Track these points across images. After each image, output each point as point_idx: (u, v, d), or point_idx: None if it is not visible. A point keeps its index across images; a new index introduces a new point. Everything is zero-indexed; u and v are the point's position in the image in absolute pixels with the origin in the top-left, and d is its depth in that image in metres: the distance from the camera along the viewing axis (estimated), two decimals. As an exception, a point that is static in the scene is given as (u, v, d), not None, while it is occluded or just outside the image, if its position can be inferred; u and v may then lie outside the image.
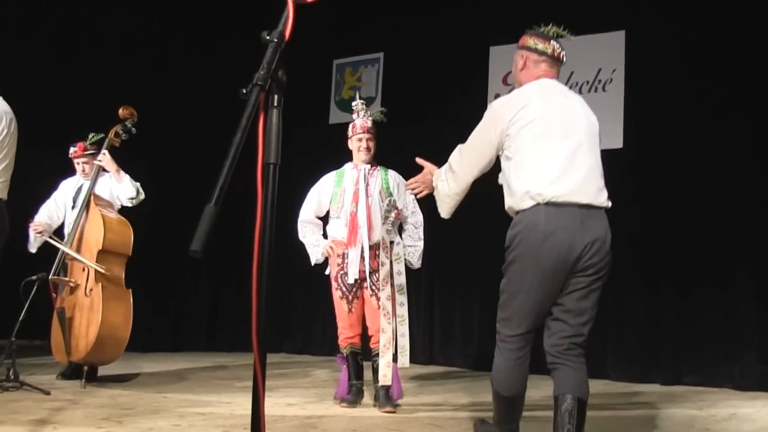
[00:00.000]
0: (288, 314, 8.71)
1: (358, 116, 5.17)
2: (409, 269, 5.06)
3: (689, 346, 6.55)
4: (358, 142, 5.11)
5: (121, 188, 5.83)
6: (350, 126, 5.20)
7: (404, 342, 4.86)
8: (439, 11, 8.03)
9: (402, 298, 4.88)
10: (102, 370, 5.78)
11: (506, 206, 3.30)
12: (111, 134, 5.83)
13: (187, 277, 8.71)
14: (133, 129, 5.86)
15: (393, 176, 5.15)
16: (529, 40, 3.40)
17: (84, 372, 5.40)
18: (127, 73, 8.24)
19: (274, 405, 4.84)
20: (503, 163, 3.29)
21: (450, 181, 3.43)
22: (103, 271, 5.39)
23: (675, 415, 4.97)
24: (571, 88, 7.35)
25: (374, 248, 4.96)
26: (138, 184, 5.89)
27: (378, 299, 4.88)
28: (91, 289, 5.40)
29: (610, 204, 3.23)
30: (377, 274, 4.92)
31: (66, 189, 6.07)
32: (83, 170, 5.94)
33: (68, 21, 8.56)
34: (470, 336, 7.62)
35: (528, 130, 3.15)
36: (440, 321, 7.93)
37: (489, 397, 3.41)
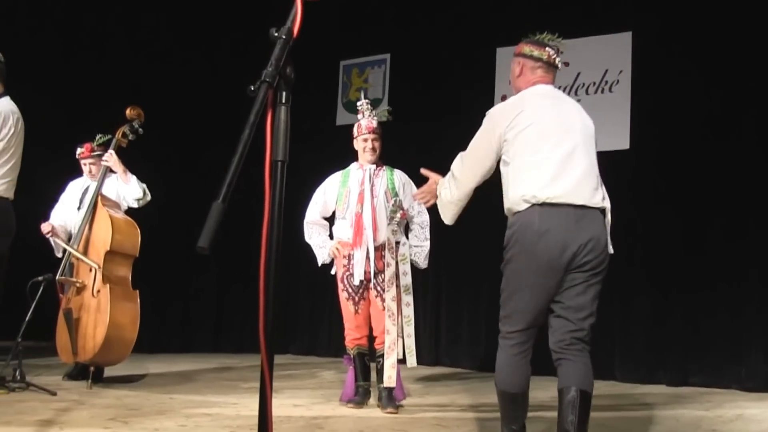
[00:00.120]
0: (294, 315, 8.71)
1: (363, 116, 5.15)
2: (415, 269, 5.05)
3: (696, 347, 6.53)
4: (363, 142, 5.10)
5: (128, 189, 5.83)
6: (355, 126, 5.19)
7: (410, 342, 4.86)
8: (445, 12, 8.03)
9: (408, 299, 4.88)
10: (108, 371, 5.79)
11: (505, 208, 3.39)
12: (118, 135, 5.83)
13: (193, 278, 8.72)
14: (140, 129, 5.87)
15: (399, 176, 5.13)
16: (525, 48, 3.50)
17: (90, 373, 5.40)
18: (135, 74, 8.27)
19: (280, 406, 4.83)
20: (502, 168, 3.39)
21: (452, 188, 3.51)
22: (96, 267, 5.39)
23: (682, 416, 4.96)
24: (577, 89, 7.48)
25: (380, 249, 4.95)
26: (144, 185, 5.89)
27: (383, 300, 4.87)
28: (98, 290, 5.40)
29: (606, 204, 3.29)
30: (382, 275, 4.91)
31: (73, 190, 6.08)
32: (90, 171, 5.95)
33: (74, 22, 8.58)
34: (477, 337, 7.61)
35: (524, 136, 3.25)
36: (446, 322, 7.92)
37: (495, 398, 3.43)
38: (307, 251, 5.26)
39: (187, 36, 8.80)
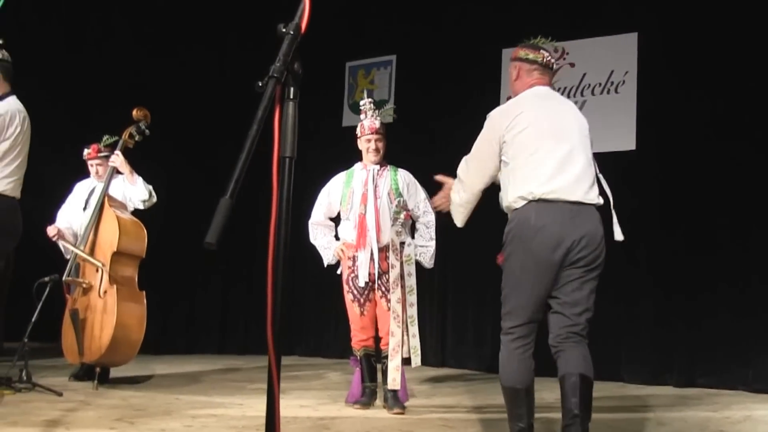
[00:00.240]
0: (300, 316, 8.69)
1: (366, 117, 5.13)
2: (421, 269, 5.04)
3: (702, 348, 6.50)
4: (366, 143, 5.08)
5: (134, 190, 5.84)
6: (358, 126, 5.17)
7: (415, 342, 4.85)
8: (451, 13, 8.01)
9: (412, 299, 4.87)
10: (114, 372, 5.79)
11: (504, 207, 3.54)
12: (125, 136, 5.84)
13: (199, 279, 8.72)
14: (147, 130, 5.88)
15: (403, 176, 5.10)
16: (520, 52, 3.65)
17: (96, 373, 5.41)
18: (141, 73, 8.29)
19: (287, 407, 4.83)
20: (502, 169, 3.51)
21: (461, 191, 3.65)
22: (100, 265, 5.40)
23: (689, 417, 4.94)
24: (583, 89, 7.47)
25: (384, 250, 4.94)
26: (150, 186, 5.89)
27: (388, 300, 4.87)
28: (105, 291, 5.40)
29: (601, 201, 3.42)
30: (387, 275, 4.90)
31: (79, 191, 6.09)
32: (97, 172, 5.97)
33: (80, 22, 8.61)
34: (483, 338, 7.58)
35: (522, 137, 3.38)
36: (452, 323, 7.90)
37: (502, 399, 3.46)
38: (313, 251, 5.25)
39: (193, 36, 8.81)
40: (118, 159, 5.75)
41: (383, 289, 4.92)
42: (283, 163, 1.62)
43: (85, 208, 5.85)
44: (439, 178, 3.90)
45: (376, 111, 5.18)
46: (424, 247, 5.07)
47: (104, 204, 5.61)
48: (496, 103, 7.39)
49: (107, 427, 4.01)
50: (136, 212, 5.93)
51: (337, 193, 5.13)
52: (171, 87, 8.33)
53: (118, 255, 5.49)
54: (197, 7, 8.67)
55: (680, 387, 6.42)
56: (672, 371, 6.59)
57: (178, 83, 8.44)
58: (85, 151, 5.99)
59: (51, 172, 6.71)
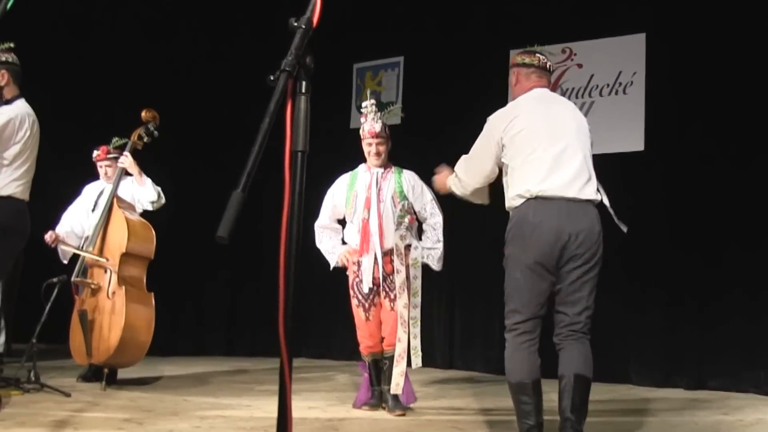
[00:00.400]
0: (308, 319, 8.68)
1: (366, 120, 5.04)
2: (429, 271, 5.01)
3: (713, 351, 6.46)
4: (368, 147, 5.01)
5: (142, 191, 5.84)
6: (360, 129, 5.10)
7: (416, 343, 4.84)
8: (459, 15, 8.00)
9: (416, 301, 4.85)
10: (122, 373, 5.79)
11: (506, 207, 3.64)
12: (134, 137, 5.85)
13: (206, 281, 8.72)
14: (156, 132, 5.88)
15: (408, 178, 5.04)
16: (517, 57, 3.81)
17: (104, 374, 5.41)
18: (149, 76, 8.30)
19: (295, 408, 4.73)
20: (503, 170, 3.64)
21: (459, 187, 3.86)
22: (105, 261, 5.40)
23: (701, 420, 4.91)
24: (591, 90, 7.44)
25: (388, 254, 4.90)
26: (159, 188, 5.90)
27: (391, 301, 4.85)
28: (113, 292, 5.41)
29: (598, 198, 3.51)
30: (391, 277, 4.87)
31: (88, 193, 6.10)
32: (106, 174, 5.98)
33: (85, 23, 8.64)
34: (491, 341, 7.55)
35: (520, 138, 3.50)
36: (460, 325, 7.88)
37: (510, 401, 3.49)
38: (320, 253, 5.24)
39: (202, 38, 8.82)
40: (127, 160, 5.76)
41: (387, 290, 4.90)
42: (295, 157, 1.61)
43: (94, 210, 5.86)
44: (438, 170, 4.11)
45: (378, 114, 5.07)
46: (432, 249, 5.01)
47: (113, 205, 5.62)
48: (503, 104, 7.33)
49: (115, 427, 4.01)
50: (144, 213, 5.93)
51: (342, 196, 5.07)
52: (176, 88, 8.34)
53: (126, 256, 5.49)
54: (205, 11, 8.69)
55: (690, 390, 6.38)
56: (682, 374, 6.55)
57: (183, 84, 8.46)
58: (95, 153, 6.00)
59: (59, 176, 6.72)
